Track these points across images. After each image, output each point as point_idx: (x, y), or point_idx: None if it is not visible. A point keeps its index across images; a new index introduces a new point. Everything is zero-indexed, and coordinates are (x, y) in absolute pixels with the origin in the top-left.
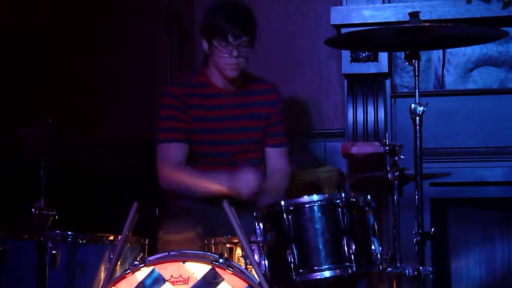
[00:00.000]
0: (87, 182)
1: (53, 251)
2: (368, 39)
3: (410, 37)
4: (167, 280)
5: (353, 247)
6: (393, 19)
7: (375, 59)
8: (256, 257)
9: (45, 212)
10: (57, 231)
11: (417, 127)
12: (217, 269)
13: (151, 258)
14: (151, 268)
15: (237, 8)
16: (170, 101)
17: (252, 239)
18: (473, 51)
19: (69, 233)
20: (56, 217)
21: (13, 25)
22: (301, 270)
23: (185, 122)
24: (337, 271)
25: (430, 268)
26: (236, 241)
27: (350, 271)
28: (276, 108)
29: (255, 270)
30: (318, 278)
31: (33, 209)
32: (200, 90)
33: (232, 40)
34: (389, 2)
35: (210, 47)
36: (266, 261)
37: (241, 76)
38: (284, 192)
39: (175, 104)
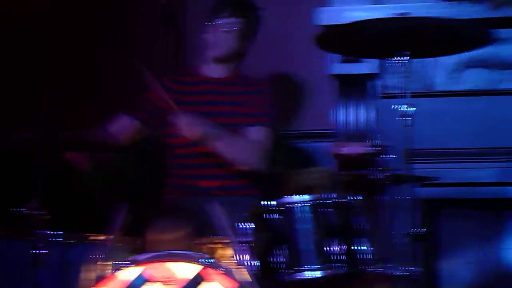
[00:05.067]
0: (79, 182)
1: (44, 251)
2: (358, 39)
3: (395, 36)
4: (157, 280)
5: (344, 247)
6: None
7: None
8: (247, 256)
9: (36, 212)
10: (48, 231)
11: (408, 127)
12: (205, 269)
13: (140, 258)
14: (140, 268)
15: None
16: (158, 93)
17: (243, 239)
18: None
19: (60, 233)
20: (48, 217)
21: (8, 26)
22: (292, 270)
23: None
24: (328, 271)
25: (421, 269)
26: (226, 241)
27: (341, 271)
28: (259, 95)
29: (245, 271)
30: (309, 278)
31: (24, 209)
32: (188, 79)
33: (229, 17)
34: (379, 3)
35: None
36: (257, 261)
37: (232, 74)
38: (257, 161)
39: (158, 97)
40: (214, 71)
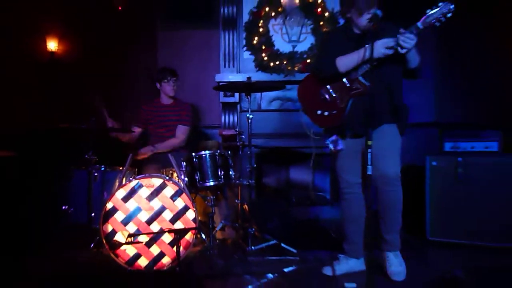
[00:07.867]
0: (112, 147)
1: (95, 174)
2: (231, 87)
3: (245, 87)
4: (144, 185)
5: (222, 172)
6: (240, 79)
7: (233, 95)
8: (182, 176)
9: (92, 157)
10: (97, 165)
11: (249, 124)
12: (165, 181)
13: (137, 176)
14: (137, 181)
15: (169, 68)
16: (141, 111)
17: (181, 169)
18: (272, 93)
19: (103, 166)
20: (97, 159)
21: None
22: (201, 182)
23: (145, 119)
24: (216, 182)
25: (253, 181)
26: (174, 169)
27: (221, 182)
28: (184, 111)
29: (181, 182)
30: (208, 185)
31: (86, 156)
32: (155, 105)
33: (170, 79)
34: (239, 72)
35: (161, 84)
36: (186, 178)
37: (174, 98)
38: (174, 146)
39: (141, 113)
40: (166, 101)
